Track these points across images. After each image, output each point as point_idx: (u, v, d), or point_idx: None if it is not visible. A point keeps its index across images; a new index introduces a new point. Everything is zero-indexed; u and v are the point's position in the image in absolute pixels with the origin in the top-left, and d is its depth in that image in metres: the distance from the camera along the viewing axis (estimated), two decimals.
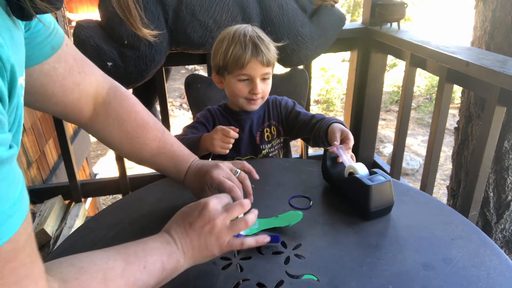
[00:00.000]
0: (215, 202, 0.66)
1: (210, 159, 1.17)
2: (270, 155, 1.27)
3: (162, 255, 0.59)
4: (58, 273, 0.47)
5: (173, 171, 0.92)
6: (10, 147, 0.37)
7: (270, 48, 1.16)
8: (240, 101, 1.20)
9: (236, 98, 1.20)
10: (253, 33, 1.16)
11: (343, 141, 1.01)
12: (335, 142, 0.99)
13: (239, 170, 0.90)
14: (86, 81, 0.77)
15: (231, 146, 1.08)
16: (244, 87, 1.17)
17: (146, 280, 0.55)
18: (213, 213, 0.64)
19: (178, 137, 1.14)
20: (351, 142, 1.01)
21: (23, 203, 0.38)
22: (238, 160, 0.95)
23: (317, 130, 1.12)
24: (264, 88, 1.18)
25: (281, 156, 1.31)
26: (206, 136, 1.10)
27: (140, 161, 0.91)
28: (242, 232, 0.71)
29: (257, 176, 0.93)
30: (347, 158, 0.95)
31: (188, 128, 1.23)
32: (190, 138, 1.14)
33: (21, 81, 0.43)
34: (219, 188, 0.84)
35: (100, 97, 0.81)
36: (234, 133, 1.06)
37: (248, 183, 0.89)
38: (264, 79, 1.18)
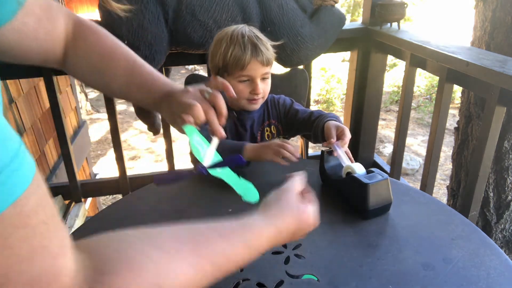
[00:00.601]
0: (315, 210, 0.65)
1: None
2: None
3: (238, 260, 0.50)
4: (101, 253, 0.38)
5: (150, 102, 0.84)
6: None
7: (269, 48, 1.17)
8: (242, 102, 1.20)
9: (238, 99, 1.20)
10: (251, 33, 1.16)
11: (339, 137, 1.02)
12: (332, 140, 1.00)
13: (210, 90, 0.80)
14: (56, 26, 0.75)
15: (286, 154, 1.03)
16: (245, 88, 1.17)
17: (213, 274, 0.47)
18: (314, 222, 0.64)
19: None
20: (347, 137, 1.02)
21: (25, 159, 0.32)
22: (214, 79, 0.84)
23: (315, 128, 1.13)
24: (264, 88, 1.19)
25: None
26: (256, 148, 1.08)
27: (113, 94, 0.89)
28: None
29: (233, 93, 0.80)
30: (343, 154, 0.96)
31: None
32: (230, 143, 1.11)
33: None
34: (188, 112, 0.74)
35: (68, 36, 0.79)
36: (292, 157, 1.02)
37: (220, 102, 0.77)
38: (263, 79, 1.18)
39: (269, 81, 1.21)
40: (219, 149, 0.91)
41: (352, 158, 0.98)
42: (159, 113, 0.86)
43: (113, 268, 0.37)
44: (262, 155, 1.06)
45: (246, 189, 0.74)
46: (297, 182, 0.68)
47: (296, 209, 0.61)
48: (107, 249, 0.39)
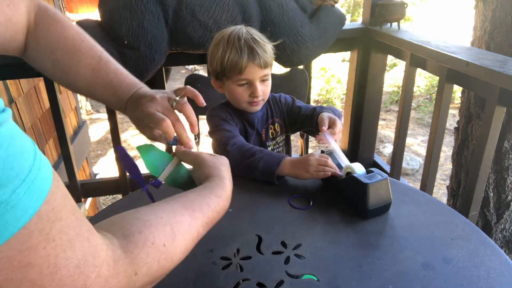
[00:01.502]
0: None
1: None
2: (275, 151, 1.28)
3: (220, 211, 0.62)
4: (120, 227, 0.45)
5: (113, 102, 0.81)
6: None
7: (267, 49, 1.15)
8: (243, 105, 1.20)
9: (238, 103, 1.20)
10: (248, 35, 1.14)
11: (330, 127, 1.06)
12: (323, 127, 1.04)
13: (177, 98, 0.77)
14: (18, 12, 0.69)
15: (329, 170, 0.97)
16: (244, 91, 1.17)
17: (203, 233, 0.58)
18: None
19: (240, 148, 1.07)
20: (337, 128, 1.06)
21: (42, 156, 0.34)
22: (183, 86, 0.82)
23: (315, 121, 1.16)
24: (264, 90, 1.18)
25: (284, 153, 1.32)
26: (295, 163, 1.01)
27: (77, 91, 0.83)
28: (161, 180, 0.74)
29: (202, 101, 0.78)
30: (333, 143, 1.01)
31: (227, 126, 1.16)
32: (268, 155, 1.04)
33: None
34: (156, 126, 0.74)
35: (30, 23, 0.73)
36: (336, 172, 0.98)
37: (188, 112, 0.76)
38: (263, 81, 1.18)
39: (269, 82, 1.20)
40: (257, 157, 1.00)
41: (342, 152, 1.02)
42: (124, 114, 0.82)
43: (135, 228, 0.45)
44: (303, 173, 0.99)
45: (172, 177, 0.76)
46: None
47: (224, 161, 0.73)
48: (123, 220, 0.47)
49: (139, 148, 0.74)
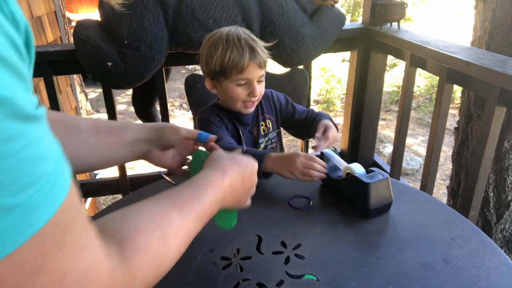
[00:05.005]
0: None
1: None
2: (268, 148, 1.29)
3: (212, 204, 0.59)
4: (113, 232, 0.45)
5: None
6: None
7: (264, 49, 1.18)
8: (238, 105, 1.20)
9: (234, 103, 1.20)
10: (246, 35, 1.15)
11: (324, 132, 1.15)
12: (317, 134, 1.13)
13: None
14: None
15: (317, 174, 0.98)
16: (243, 91, 1.18)
17: (197, 230, 0.56)
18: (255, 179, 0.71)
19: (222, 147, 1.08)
20: (330, 132, 1.14)
21: (65, 162, 0.34)
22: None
23: (313, 128, 1.21)
24: (260, 90, 1.20)
25: (278, 150, 1.34)
26: (279, 160, 1.01)
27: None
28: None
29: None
30: (324, 145, 1.10)
31: (215, 128, 1.18)
32: (251, 151, 1.05)
33: None
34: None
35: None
36: (320, 168, 0.98)
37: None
38: (259, 82, 1.19)
39: (263, 83, 1.22)
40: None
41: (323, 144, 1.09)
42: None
43: (127, 236, 0.45)
44: (286, 173, 0.99)
45: (226, 214, 0.74)
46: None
47: (241, 160, 0.68)
48: (114, 225, 0.47)
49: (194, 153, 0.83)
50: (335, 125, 1.21)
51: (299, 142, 2.17)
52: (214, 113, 1.23)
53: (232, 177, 0.64)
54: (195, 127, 1.43)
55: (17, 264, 0.30)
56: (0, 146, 0.27)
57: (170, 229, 0.50)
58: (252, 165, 0.69)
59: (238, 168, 0.66)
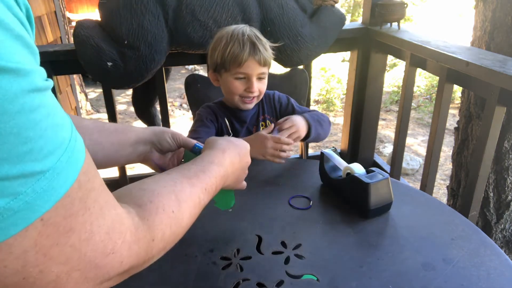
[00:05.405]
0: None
1: None
2: None
3: (217, 177, 0.63)
4: (130, 199, 0.48)
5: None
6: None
7: (267, 48, 1.19)
8: (236, 99, 1.21)
9: (232, 96, 1.21)
10: (251, 32, 1.18)
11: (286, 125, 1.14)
12: (274, 123, 1.16)
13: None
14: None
15: (285, 154, 1.10)
16: (240, 85, 1.19)
17: (206, 200, 0.60)
18: (249, 159, 0.75)
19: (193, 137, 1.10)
20: (286, 125, 1.13)
21: (75, 129, 0.37)
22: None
23: None
24: (260, 87, 1.20)
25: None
26: (250, 142, 1.03)
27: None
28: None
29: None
30: (281, 135, 1.10)
31: (199, 127, 1.21)
32: None
33: None
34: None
35: None
36: (287, 139, 1.09)
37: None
38: (260, 79, 1.20)
39: (265, 81, 1.22)
40: None
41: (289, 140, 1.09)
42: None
43: (145, 198, 0.49)
44: (258, 156, 1.08)
45: (223, 195, 0.76)
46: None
47: (235, 141, 0.73)
48: (131, 192, 0.50)
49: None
50: (309, 125, 1.19)
51: (299, 142, 2.17)
52: (210, 110, 1.26)
53: (231, 154, 0.69)
54: None
55: (50, 226, 0.32)
56: (29, 116, 0.30)
57: (184, 194, 0.54)
58: (246, 145, 0.74)
59: (235, 147, 0.71)
